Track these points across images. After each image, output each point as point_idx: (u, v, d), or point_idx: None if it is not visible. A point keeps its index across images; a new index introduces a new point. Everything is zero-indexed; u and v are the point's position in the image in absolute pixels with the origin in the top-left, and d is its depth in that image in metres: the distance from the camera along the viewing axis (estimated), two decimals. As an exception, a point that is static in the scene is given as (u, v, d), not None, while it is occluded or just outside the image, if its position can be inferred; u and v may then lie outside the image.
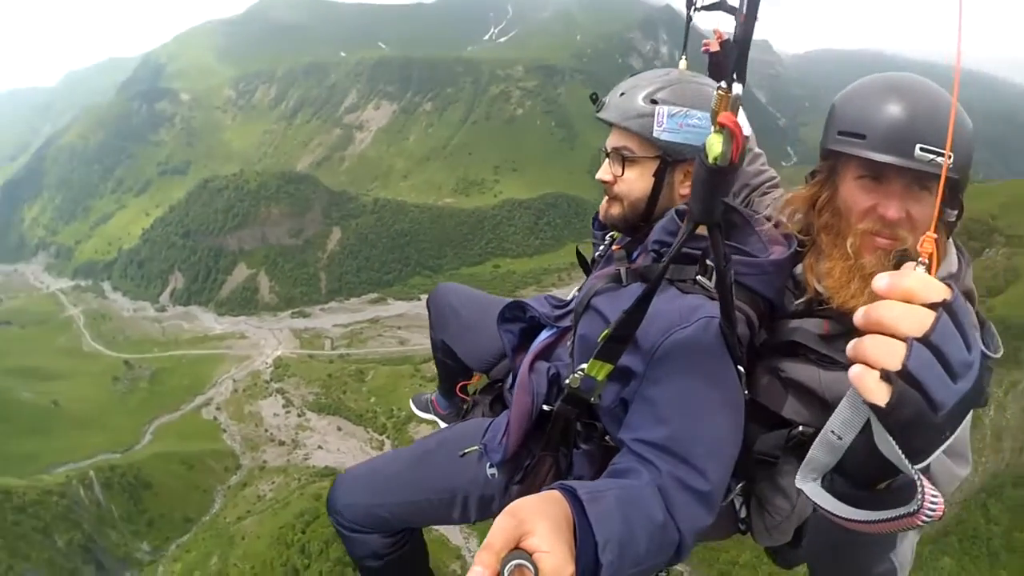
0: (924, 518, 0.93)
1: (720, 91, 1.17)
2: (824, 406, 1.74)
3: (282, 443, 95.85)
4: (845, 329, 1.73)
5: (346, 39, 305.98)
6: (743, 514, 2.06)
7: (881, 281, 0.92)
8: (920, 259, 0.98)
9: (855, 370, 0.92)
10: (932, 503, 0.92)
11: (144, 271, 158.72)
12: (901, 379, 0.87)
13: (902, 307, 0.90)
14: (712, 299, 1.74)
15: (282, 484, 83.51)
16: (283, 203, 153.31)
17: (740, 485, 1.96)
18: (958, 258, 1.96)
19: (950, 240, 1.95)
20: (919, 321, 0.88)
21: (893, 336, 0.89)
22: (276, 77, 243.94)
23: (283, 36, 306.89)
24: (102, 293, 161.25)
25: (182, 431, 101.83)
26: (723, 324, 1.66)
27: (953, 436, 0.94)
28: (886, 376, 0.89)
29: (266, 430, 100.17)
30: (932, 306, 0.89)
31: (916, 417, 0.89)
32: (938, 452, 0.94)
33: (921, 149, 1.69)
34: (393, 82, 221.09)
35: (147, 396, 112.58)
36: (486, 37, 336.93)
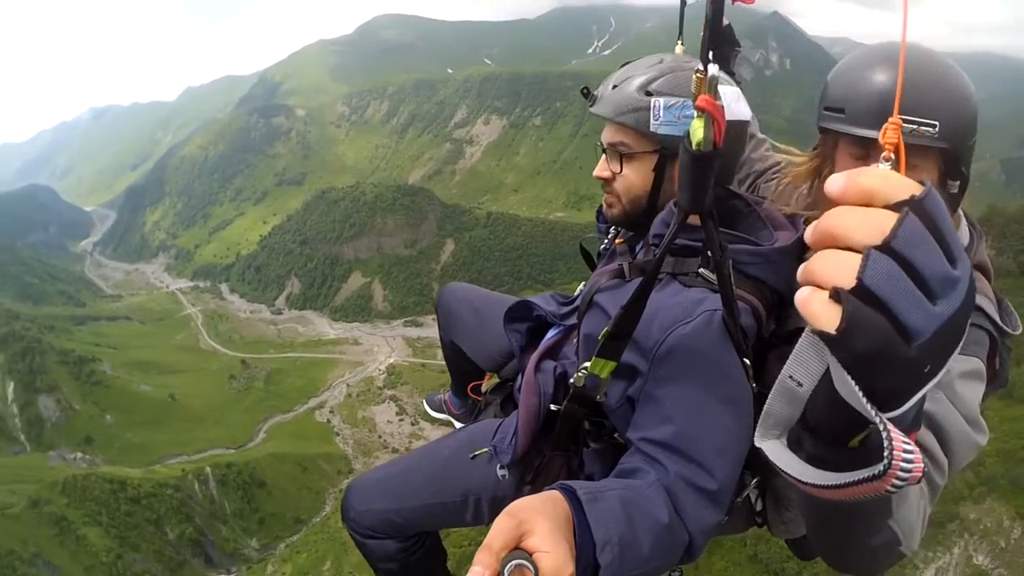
0: (896, 480, 0.71)
1: (697, 74, 1.15)
2: None
3: (395, 450, 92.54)
4: None
5: (452, 56, 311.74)
6: (759, 507, 2.01)
7: (835, 183, 0.74)
8: (883, 155, 0.84)
9: (800, 295, 0.75)
10: (906, 460, 0.70)
11: (261, 276, 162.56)
12: (856, 296, 0.68)
13: (858, 212, 0.71)
14: (716, 291, 1.67)
15: None
16: (398, 214, 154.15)
17: (755, 480, 1.89)
18: (969, 230, 1.89)
19: (960, 212, 1.87)
20: (878, 225, 0.69)
21: (848, 249, 0.71)
22: (387, 94, 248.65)
23: (392, 54, 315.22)
24: (220, 294, 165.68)
25: (295, 431, 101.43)
26: (725, 316, 1.61)
27: (937, 377, 0.73)
28: (836, 295, 0.70)
29: (379, 436, 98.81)
30: (897, 207, 0.69)
31: (881, 346, 0.69)
32: (918, 396, 0.74)
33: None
34: (502, 97, 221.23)
35: (262, 395, 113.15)
36: (590, 51, 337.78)
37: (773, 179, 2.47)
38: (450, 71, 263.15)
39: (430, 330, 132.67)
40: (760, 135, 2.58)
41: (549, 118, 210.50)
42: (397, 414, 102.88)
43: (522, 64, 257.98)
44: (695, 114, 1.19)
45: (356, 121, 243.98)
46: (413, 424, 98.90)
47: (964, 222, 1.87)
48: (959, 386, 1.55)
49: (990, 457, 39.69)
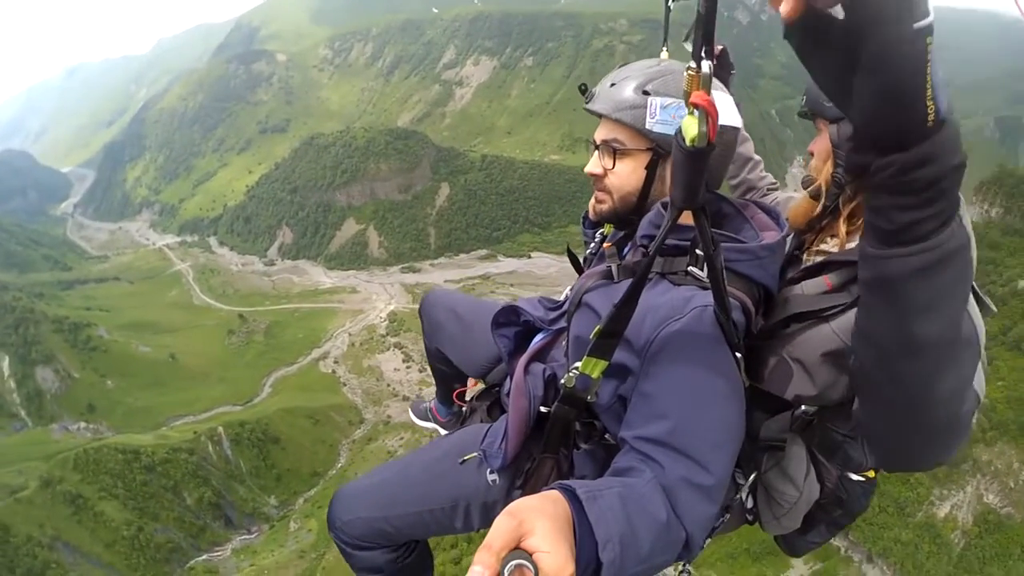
0: None
1: (690, 71, 1.17)
2: (841, 359, 1.72)
3: (406, 398, 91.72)
4: (850, 277, 1.76)
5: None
6: (750, 504, 2.06)
7: None
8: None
9: None
10: None
11: (251, 226, 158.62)
12: None
13: None
14: (704, 289, 1.72)
15: (412, 440, 79.50)
16: (391, 159, 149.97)
17: (750, 480, 1.95)
18: None
19: None
20: None
21: None
22: (371, 35, 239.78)
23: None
24: (209, 248, 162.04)
25: (301, 384, 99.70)
26: (717, 311, 1.63)
27: None
28: None
29: (388, 385, 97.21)
30: None
31: None
32: None
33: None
34: (492, 37, 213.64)
35: (263, 349, 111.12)
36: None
37: (767, 195, 2.66)
38: (435, 11, 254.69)
39: (428, 276, 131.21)
40: (756, 156, 2.69)
41: (541, 59, 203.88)
42: (404, 361, 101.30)
43: (511, 2, 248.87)
44: (687, 112, 1.19)
45: (340, 64, 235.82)
46: (421, 371, 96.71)
47: None
48: None
49: (1001, 404, 42.53)
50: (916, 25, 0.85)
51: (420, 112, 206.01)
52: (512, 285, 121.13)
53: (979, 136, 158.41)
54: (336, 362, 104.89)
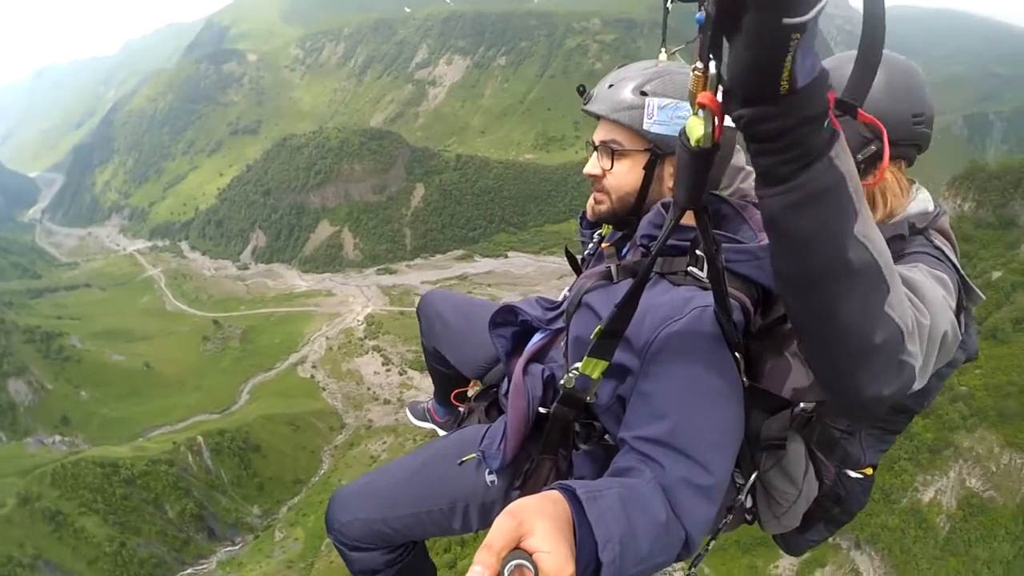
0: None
1: (696, 71, 1.17)
2: None
3: (387, 402, 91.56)
4: None
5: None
6: (749, 503, 2.06)
7: None
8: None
9: None
10: None
11: (223, 230, 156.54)
12: None
13: None
14: (704, 289, 1.73)
15: (395, 444, 79.18)
16: (365, 160, 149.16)
17: (750, 482, 1.94)
18: (934, 201, 2.13)
19: (918, 185, 2.17)
20: None
21: None
22: (343, 35, 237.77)
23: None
24: (180, 253, 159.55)
25: (279, 390, 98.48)
26: (717, 311, 1.64)
27: None
28: None
29: (368, 388, 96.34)
30: None
31: None
32: None
33: None
34: (465, 36, 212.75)
35: (239, 355, 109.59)
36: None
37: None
38: (408, 10, 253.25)
39: (404, 277, 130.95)
40: (748, 167, 2.65)
41: (514, 58, 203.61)
42: (383, 364, 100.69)
43: (484, 2, 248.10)
44: (689, 113, 1.20)
45: (311, 64, 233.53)
46: (401, 374, 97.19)
47: (926, 192, 2.11)
48: (930, 280, 1.67)
49: (980, 391, 44.07)
50: (785, 20, 0.90)
51: (393, 112, 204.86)
52: (489, 285, 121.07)
53: (948, 133, 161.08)
54: (314, 367, 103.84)
